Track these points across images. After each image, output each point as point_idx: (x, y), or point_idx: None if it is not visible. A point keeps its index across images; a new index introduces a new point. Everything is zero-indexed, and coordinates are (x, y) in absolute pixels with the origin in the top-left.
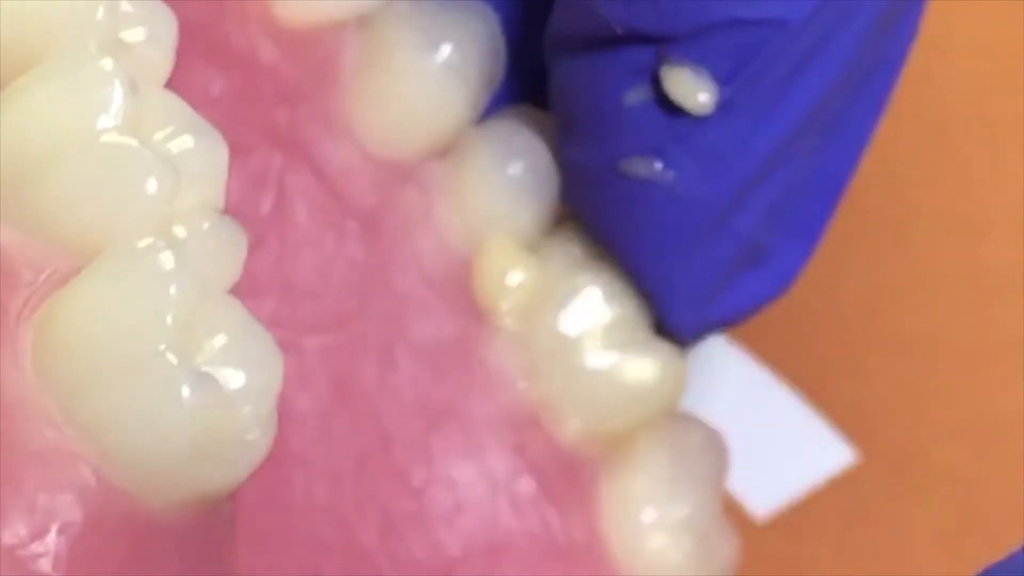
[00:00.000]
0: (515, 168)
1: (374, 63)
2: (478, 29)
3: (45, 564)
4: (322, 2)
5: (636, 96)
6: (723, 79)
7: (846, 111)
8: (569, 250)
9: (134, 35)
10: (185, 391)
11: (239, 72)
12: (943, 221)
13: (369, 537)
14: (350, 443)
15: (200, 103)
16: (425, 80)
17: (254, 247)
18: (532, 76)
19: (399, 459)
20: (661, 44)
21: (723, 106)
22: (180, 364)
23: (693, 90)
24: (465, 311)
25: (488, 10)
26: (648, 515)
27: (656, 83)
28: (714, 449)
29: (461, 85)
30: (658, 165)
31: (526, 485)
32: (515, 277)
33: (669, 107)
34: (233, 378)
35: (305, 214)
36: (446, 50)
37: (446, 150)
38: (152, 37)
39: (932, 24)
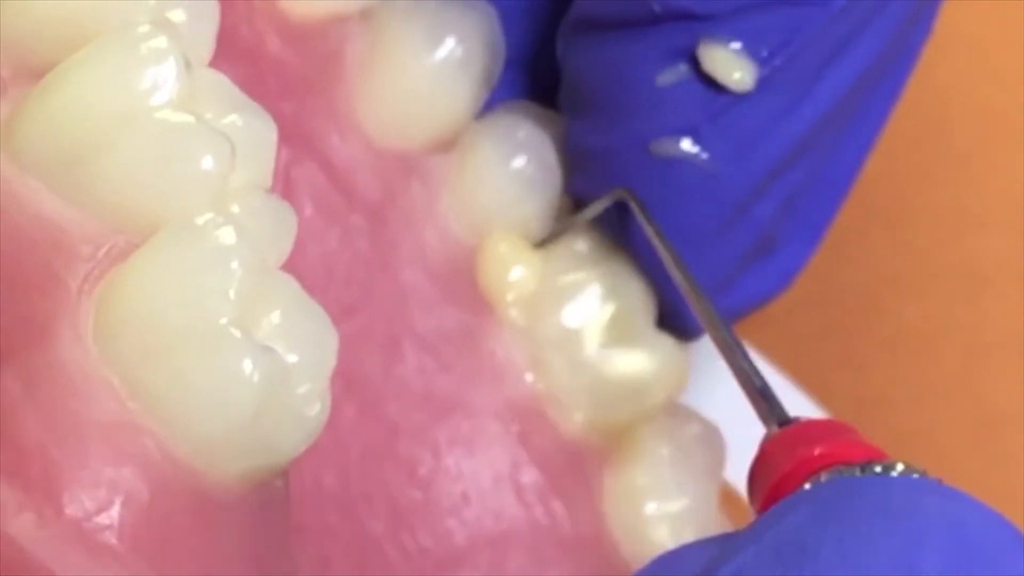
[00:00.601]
0: (519, 162)
1: (378, 57)
2: (479, 23)
3: (110, 536)
4: None
5: (670, 76)
6: (763, 58)
7: (863, 104)
8: (573, 244)
9: (177, 15)
10: (248, 365)
11: (245, 65)
12: (942, 216)
13: (377, 526)
14: (357, 434)
15: None
16: (428, 74)
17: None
18: (531, 72)
19: (405, 450)
20: (701, 22)
21: (760, 86)
22: (243, 338)
23: (733, 68)
24: (470, 303)
25: (488, 6)
26: (650, 507)
27: (691, 63)
28: (712, 441)
29: (463, 79)
30: (690, 145)
31: (531, 476)
32: (517, 271)
33: (704, 87)
34: (291, 354)
35: (311, 207)
36: (449, 44)
37: (449, 143)
38: (195, 16)
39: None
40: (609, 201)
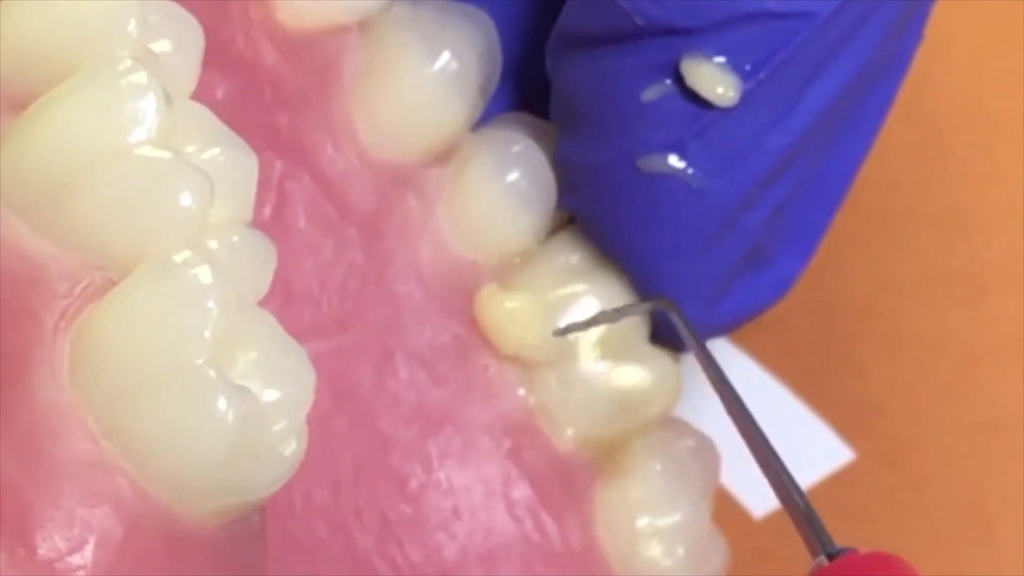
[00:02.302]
0: (513, 175)
1: (374, 69)
2: (476, 35)
3: None
4: (324, 5)
5: (655, 91)
6: (747, 72)
7: (853, 114)
8: (567, 257)
9: (161, 45)
10: (223, 405)
11: (241, 76)
12: (941, 221)
13: (367, 541)
14: (348, 448)
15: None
16: (424, 86)
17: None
18: (527, 83)
19: (397, 464)
20: (684, 36)
21: (745, 100)
22: (218, 378)
23: (717, 83)
24: (464, 317)
25: (485, 17)
26: (642, 522)
27: (676, 78)
28: (705, 454)
29: (460, 91)
30: (677, 161)
31: (522, 491)
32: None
33: (688, 102)
34: (268, 391)
35: (305, 220)
36: (445, 56)
37: (444, 155)
38: (179, 47)
39: (930, 24)
40: (649, 308)
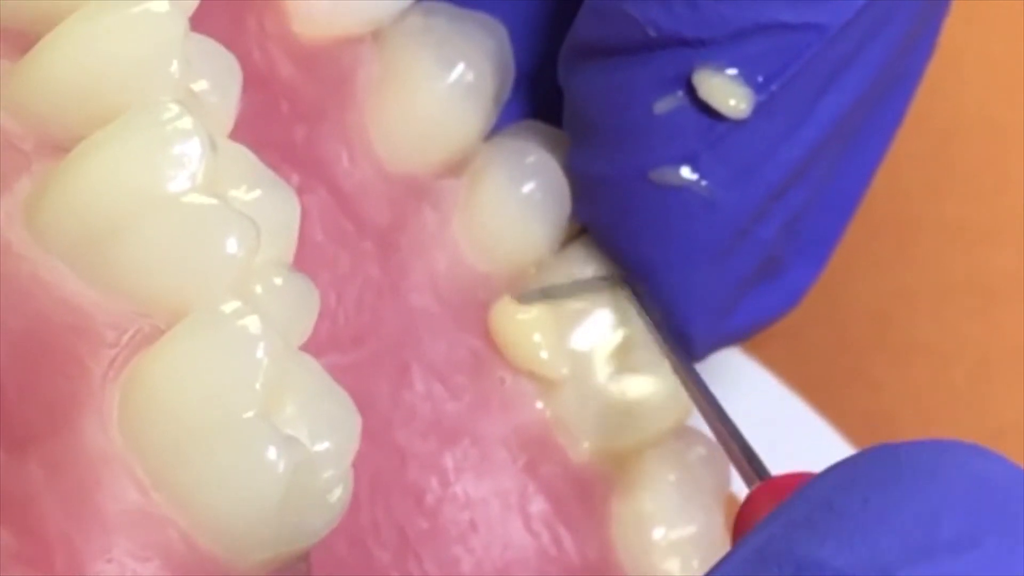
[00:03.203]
0: (528, 187)
1: (388, 81)
2: (489, 45)
3: None
4: (338, 16)
5: (667, 104)
6: (759, 84)
7: (865, 125)
8: (581, 269)
9: (199, 84)
10: (274, 455)
11: (258, 91)
12: (950, 230)
13: (385, 556)
14: (365, 462)
15: None
16: (438, 98)
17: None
18: (540, 91)
19: (414, 478)
20: (696, 48)
21: (757, 112)
22: (269, 429)
23: (729, 95)
24: (479, 330)
25: (499, 26)
26: (658, 534)
27: (688, 90)
28: (716, 462)
29: (474, 102)
30: (690, 173)
31: (539, 504)
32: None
33: (701, 114)
34: (315, 440)
35: (321, 233)
36: (459, 68)
37: (459, 167)
38: (217, 85)
39: (942, 36)
40: (607, 286)
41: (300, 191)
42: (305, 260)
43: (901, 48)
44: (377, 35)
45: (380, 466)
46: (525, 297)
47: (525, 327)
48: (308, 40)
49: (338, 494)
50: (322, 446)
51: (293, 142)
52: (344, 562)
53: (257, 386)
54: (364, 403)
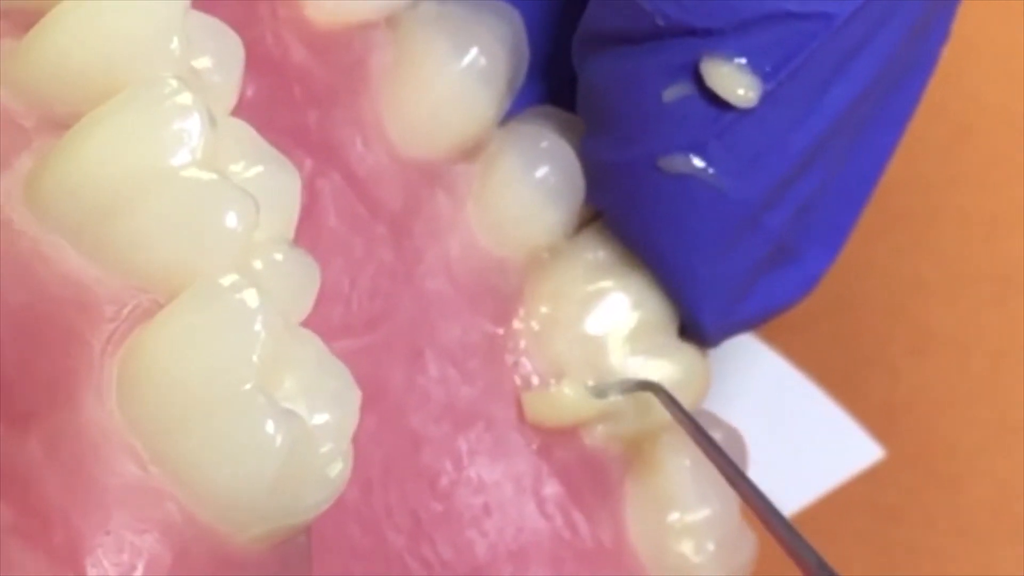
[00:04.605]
0: (542, 171)
1: (402, 66)
2: (503, 30)
3: None
4: (352, 3)
5: (676, 92)
6: (767, 73)
7: (878, 112)
8: (595, 253)
9: (203, 62)
10: (271, 428)
11: (271, 75)
12: (969, 220)
13: (398, 540)
14: (379, 446)
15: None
16: (452, 83)
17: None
18: (555, 76)
19: (427, 462)
20: (704, 37)
21: (765, 101)
22: (267, 402)
23: (737, 84)
24: (493, 314)
25: (513, 11)
26: (672, 517)
27: (696, 78)
28: (734, 447)
29: (488, 87)
30: (698, 161)
31: (552, 488)
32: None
33: (709, 103)
34: (314, 414)
35: (335, 218)
36: (473, 53)
37: (473, 152)
38: (220, 63)
39: (957, 24)
40: (635, 389)
41: (313, 176)
42: (319, 244)
43: (911, 36)
44: (391, 21)
45: (394, 450)
46: (599, 390)
47: (559, 400)
48: (322, 25)
49: (338, 469)
50: (321, 419)
51: (307, 127)
52: (358, 546)
53: (254, 359)
54: (378, 387)
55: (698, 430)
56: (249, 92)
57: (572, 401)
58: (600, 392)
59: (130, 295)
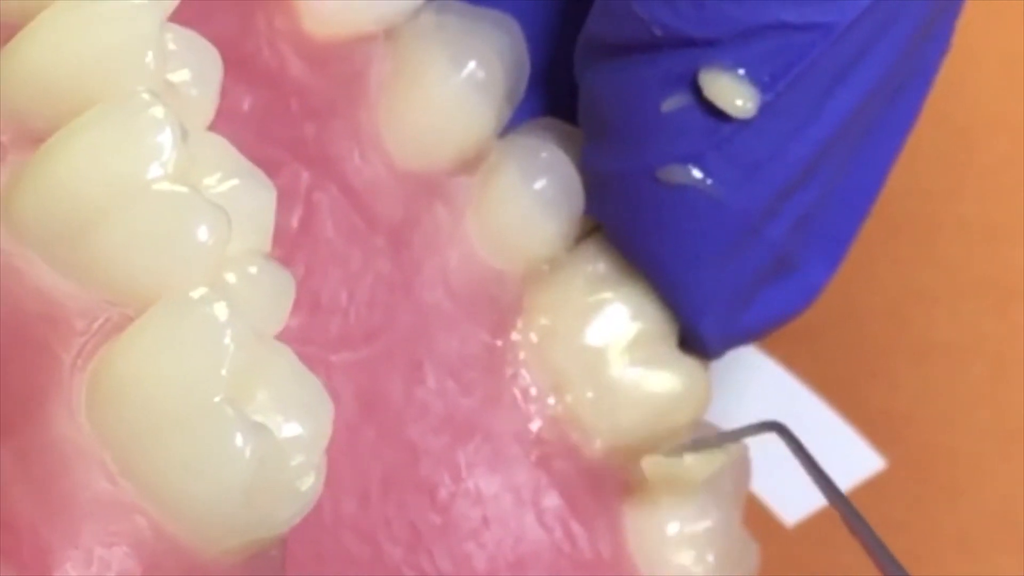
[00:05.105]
0: (541, 183)
1: (400, 78)
2: (503, 42)
3: None
4: (350, 14)
5: (674, 103)
6: (765, 84)
7: (879, 121)
8: (594, 265)
9: (180, 75)
10: (240, 442)
11: (267, 87)
12: (969, 228)
13: (396, 552)
14: (377, 458)
15: (229, 119)
16: (451, 95)
17: (282, 264)
18: (555, 88)
19: (426, 474)
20: (702, 48)
21: (764, 111)
22: (236, 415)
23: (735, 95)
24: (491, 326)
25: (513, 23)
26: (672, 528)
27: (695, 89)
28: (737, 461)
29: (486, 99)
30: (697, 172)
31: (552, 500)
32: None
33: (708, 113)
34: (285, 427)
35: (332, 230)
36: (471, 65)
37: (472, 164)
38: (197, 76)
39: (958, 32)
40: (757, 432)
41: (311, 188)
42: (316, 257)
43: (912, 45)
44: (389, 33)
45: (392, 462)
46: (672, 451)
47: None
48: (319, 38)
49: (309, 482)
50: (293, 432)
51: (304, 139)
52: (356, 558)
53: (223, 372)
54: (376, 400)
55: (821, 474)
56: (246, 105)
57: (696, 466)
58: (719, 443)
59: (101, 309)
